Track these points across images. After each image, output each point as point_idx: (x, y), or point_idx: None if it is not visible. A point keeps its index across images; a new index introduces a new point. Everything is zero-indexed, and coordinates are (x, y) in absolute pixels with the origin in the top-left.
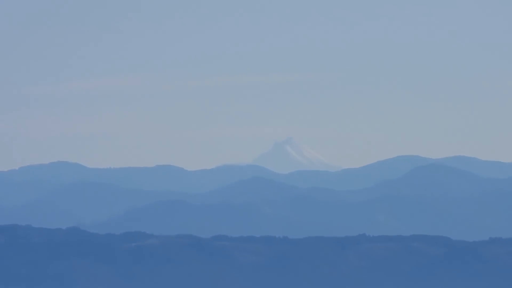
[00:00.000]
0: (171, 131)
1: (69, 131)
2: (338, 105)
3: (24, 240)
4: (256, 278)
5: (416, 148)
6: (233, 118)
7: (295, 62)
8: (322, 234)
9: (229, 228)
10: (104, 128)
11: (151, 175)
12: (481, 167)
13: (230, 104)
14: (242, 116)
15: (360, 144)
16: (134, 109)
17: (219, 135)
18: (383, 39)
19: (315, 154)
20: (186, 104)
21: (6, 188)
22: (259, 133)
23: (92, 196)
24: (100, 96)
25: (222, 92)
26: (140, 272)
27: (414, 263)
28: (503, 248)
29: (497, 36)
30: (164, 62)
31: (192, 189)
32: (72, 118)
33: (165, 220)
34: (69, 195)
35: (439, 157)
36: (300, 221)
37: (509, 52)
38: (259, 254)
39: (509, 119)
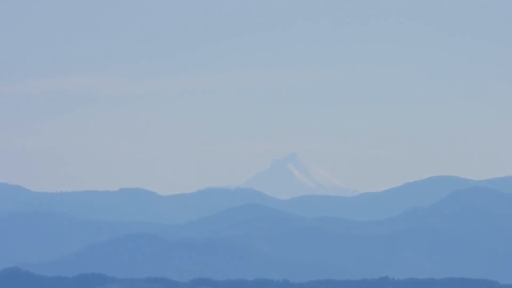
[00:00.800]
0: (140, 145)
1: (7, 145)
2: (355, 115)
3: None
4: None
5: (454, 168)
6: (221, 129)
7: (300, 60)
8: (333, 277)
9: (214, 270)
10: (53, 142)
11: (114, 202)
12: None
13: (215, 112)
14: (232, 127)
15: (382, 163)
16: (94, 116)
17: (202, 150)
18: (407, 38)
19: (325, 175)
20: (157, 112)
21: None
22: (253, 148)
23: (38, 228)
24: (49, 101)
25: (204, 96)
26: None
27: None
28: None
29: None
30: (128, 63)
31: (166, 219)
32: (11, 129)
33: (131, 259)
34: (8, 226)
35: (483, 179)
36: (305, 261)
37: None
38: None
39: None
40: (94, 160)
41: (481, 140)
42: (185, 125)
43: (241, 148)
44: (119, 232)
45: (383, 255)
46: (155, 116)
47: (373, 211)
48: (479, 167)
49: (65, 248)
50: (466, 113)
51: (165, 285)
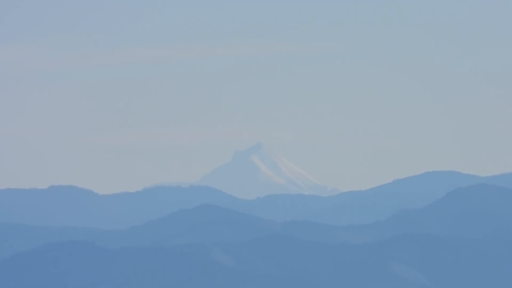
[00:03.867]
0: (73, 135)
1: None
2: (332, 98)
3: None
4: None
5: (453, 162)
6: (172, 116)
7: (266, 33)
8: None
9: (162, 284)
10: None
11: (41, 202)
12: None
13: (164, 95)
14: (185, 113)
15: (367, 156)
16: (13, 98)
17: (149, 141)
18: None
19: (298, 170)
20: (93, 94)
21: None
22: (211, 138)
23: None
24: None
25: (152, 76)
26: None
27: None
28: None
29: None
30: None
31: (105, 224)
32: None
33: (62, 273)
34: None
35: (489, 175)
36: (273, 274)
37: None
38: None
39: None
40: (17, 151)
41: (485, 129)
42: (128, 110)
43: (196, 138)
44: (47, 239)
45: (368, 268)
46: (90, 99)
47: (356, 214)
48: (484, 161)
49: None
50: (468, 97)
51: None
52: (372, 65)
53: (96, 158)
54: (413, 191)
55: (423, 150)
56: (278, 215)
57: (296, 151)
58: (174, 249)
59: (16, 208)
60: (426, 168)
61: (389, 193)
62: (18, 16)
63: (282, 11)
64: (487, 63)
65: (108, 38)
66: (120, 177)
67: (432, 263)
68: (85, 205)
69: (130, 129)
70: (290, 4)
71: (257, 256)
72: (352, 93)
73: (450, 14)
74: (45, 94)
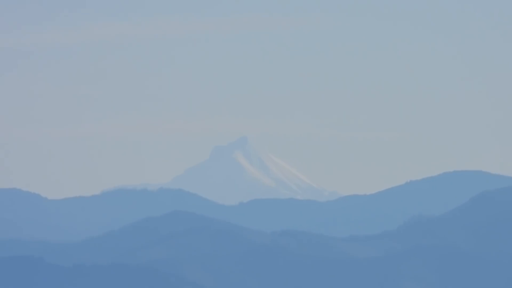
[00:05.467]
0: (15, 127)
1: None
2: (330, 84)
3: None
4: None
5: (478, 160)
6: (139, 107)
7: (250, 12)
8: None
9: None
10: None
11: None
12: None
13: (132, 83)
14: (155, 103)
15: (373, 153)
16: None
17: (109, 133)
18: None
19: (289, 169)
20: (44, 80)
21: None
22: (185, 132)
23: None
24: None
25: (118, 61)
26: None
27: None
28: None
29: None
30: None
31: (55, 236)
32: None
33: None
34: None
35: None
36: None
37: None
38: None
39: None
40: None
41: None
42: (84, 97)
43: (166, 131)
44: None
45: (375, 286)
46: (36, 85)
47: (360, 223)
48: None
49: None
50: (497, 82)
51: None
52: (380, 44)
53: (43, 155)
54: (429, 195)
55: (442, 146)
56: (266, 224)
57: (287, 146)
58: (140, 267)
59: None
60: (445, 168)
61: (401, 197)
62: None
63: None
64: None
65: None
66: (74, 178)
67: (452, 281)
68: (31, 212)
69: (87, 120)
70: None
71: (241, 274)
72: (354, 77)
73: None
74: None
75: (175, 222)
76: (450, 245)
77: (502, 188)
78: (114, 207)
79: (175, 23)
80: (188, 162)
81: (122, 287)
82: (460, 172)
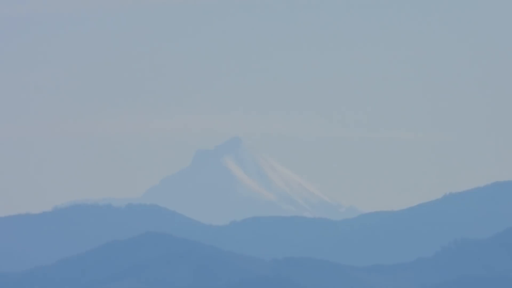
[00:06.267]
0: None
1: None
2: (344, 71)
3: None
4: None
5: None
6: (101, 102)
7: None
8: None
9: None
10: None
11: None
12: None
13: (95, 73)
14: (120, 98)
15: (401, 158)
16: None
17: (65, 134)
18: None
19: (295, 179)
20: None
21: None
22: (161, 132)
23: None
24: None
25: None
26: None
27: None
28: None
29: None
30: None
31: None
32: None
33: None
34: None
35: None
36: None
37: None
38: None
39: None
40: None
41: None
42: (35, 91)
43: (137, 132)
44: None
45: None
46: None
47: (386, 248)
48: None
49: None
50: None
51: None
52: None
53: None
54: (475, 212)
55: (490, 149)
56: (265, 249)
57: (292, 150)
58: None
59: None
60: (495, 177)
61: (438, 215)
62: None
63: None
64: None
65: None
66: (17, 190)
67: None
68: None
69: (36, 119)
70: None
71: None
72: (373, 64)
73: None
74: None
75: (147, 248)
76: (501, 276)
77: None
78: (69, 228)
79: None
80: (165, 170)
81: None
82: None
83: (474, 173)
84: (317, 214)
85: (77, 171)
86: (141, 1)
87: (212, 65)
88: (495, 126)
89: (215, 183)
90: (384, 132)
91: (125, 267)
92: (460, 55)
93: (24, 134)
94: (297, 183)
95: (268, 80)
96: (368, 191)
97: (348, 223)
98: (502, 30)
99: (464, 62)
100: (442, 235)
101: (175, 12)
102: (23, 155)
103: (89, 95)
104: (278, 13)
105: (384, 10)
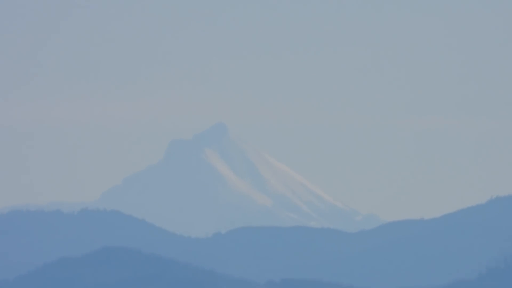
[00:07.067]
0: None
1: None
2: (352, 47)
3: None
4: None
5: None
6: (50, 82)
7: None
8: None
9: None
10: None
11: None
12: None
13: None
14: (73, 76)
15: (433, 150)
16: None
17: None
18: None
19: (297, 178)
20: None
21: None
22: (125, 118)
23: None
24: None
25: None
26: None
27: None
28: None
29: None
30: None
31: None
32: None
33: None
34: None
35: None
36: None
37: None
38: None
39: None
40: None
41: None
42: None
43: (93, 120)
44: None
45: None
46: None
47: (416, 267)
48: None
49: None
50: None
51: None
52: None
53: None
54: None
55: None
56: (259, 268)
57: (291, 142)
58: None
59: None
60: None
61: (481, 225)
62: None
63: None
64: None
65: None
66: None
67: None
68: None
69: None
70: None
71: None
72: (394, 36)
73: None
74: None
75: (106, 267)
76: None
77: None
78: (8, 240)
79: None
80: (129, 167)
81: None
82: None
83: None
84: (326, 224)
85: (18, 169)
86: None
87: (191, 37)
88: None
89: (193, 183)
90: (408, 117)
91: None
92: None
93: None
94: (299, 183)
95: (262, 54)
96: (391, 195)
97: (366, 236)
98: None
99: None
100: (488, 250)
101: None
102: None
103: (31, 80)
104: None
105: None
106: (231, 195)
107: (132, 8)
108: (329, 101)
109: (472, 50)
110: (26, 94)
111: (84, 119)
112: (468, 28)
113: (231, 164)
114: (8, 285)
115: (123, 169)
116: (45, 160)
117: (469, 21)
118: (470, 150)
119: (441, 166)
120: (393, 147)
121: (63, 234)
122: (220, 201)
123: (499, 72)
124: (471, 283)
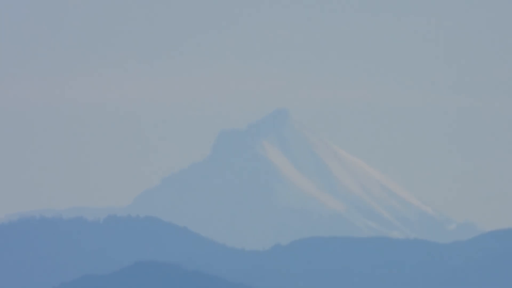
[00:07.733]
0: None
1: None
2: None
3: None
4: None
5: None
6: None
7: None
8: None
9: None
10: None
11: None
12: None
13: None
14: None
15: None
16: None
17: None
18: None
19: (377, 177)
20: None
21: None
22: (160, 101)
23: None
24: None
25: None
26: None
27: None
28: None
29: None
30: None
31: None
32: None
33: None
34: None
35: None
36: None
37: None
38: None
39: None
40: None
41: None
42: None
43: (122, 104)
44: None
45: None
46: None
47: None
48: None
49: None
50: None
51: None
52: None
53: None
54: None
55: None
56: (331, 286)
57: (368, 133)
58: None
59: None
60: None
61: None
62: None
63: None
64: None
65: None
66: None
67: None
68: None
69: None
70: None
71: None
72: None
73: None
74: None
75: (140, 286)
76: None
77: None
78: (18, 255)
79: None
80: (169, 165)
81: None
82: None
83: None
84: (413, 234)
85: (31, 167)
86: None
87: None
88: None
89: (248, 183)
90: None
91: None
92: None
93: None
94: (379, 184)
95: (330, 33)
96: (491, 199)
97: (463, 248)
98: None
99: None
100: None
101: None
102: None
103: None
104: None
105: None
106: (294, 197)
107: None
108: (415, 84)
109: None
110: (51, 82)
111: (113, 106)
112: None
113: (294, 160)
114: None
115: (161, 168)
116: (64, 157)
117: None
118: None
119: None
120: (498, 143)
121: (86, 247)
122: (281, 206)
123: None
124: None
